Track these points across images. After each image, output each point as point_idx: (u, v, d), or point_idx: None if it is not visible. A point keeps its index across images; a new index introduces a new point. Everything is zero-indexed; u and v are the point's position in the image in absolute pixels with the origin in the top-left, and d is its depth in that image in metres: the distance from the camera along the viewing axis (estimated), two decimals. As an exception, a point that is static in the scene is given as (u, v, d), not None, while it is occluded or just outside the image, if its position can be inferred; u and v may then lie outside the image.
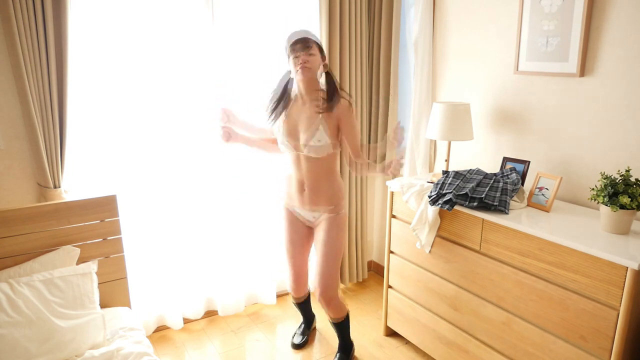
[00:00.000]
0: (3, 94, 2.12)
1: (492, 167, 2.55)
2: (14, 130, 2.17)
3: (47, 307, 1.90)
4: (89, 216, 2.20)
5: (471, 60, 2.58)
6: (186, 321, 2.88)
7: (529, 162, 2.23)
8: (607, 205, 1.76)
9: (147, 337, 2.61)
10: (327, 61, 2.19)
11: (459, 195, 2.08)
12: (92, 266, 2.13)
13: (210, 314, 2.97)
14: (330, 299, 2.33)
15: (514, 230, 1.92)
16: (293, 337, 2.74)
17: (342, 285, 3.32)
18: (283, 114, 2.25)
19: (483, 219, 2.04)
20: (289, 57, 2.13)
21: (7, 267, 2.04)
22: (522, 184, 2.19)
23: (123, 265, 2.33)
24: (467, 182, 2.14)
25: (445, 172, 2.27)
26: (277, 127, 2.27)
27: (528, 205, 2.12)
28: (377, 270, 3.54)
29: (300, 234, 2.42)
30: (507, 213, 2.00)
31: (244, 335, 2.80)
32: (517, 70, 2.33)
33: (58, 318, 1.90)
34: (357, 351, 2.64)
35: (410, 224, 2.40)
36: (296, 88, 2.23)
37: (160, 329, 2.81)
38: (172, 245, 2.70)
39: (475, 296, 2.14)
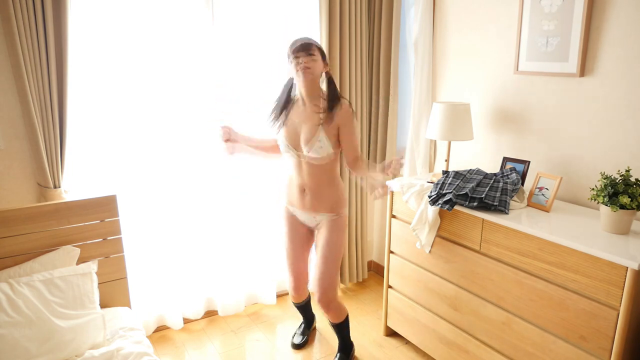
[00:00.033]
0: (3, 94, 2.12)
1: (492, 167, 2.55)
2: (14, 130, 2.17)
3: (47, 307, 1.90)
4: (89, 216, 2.20)
5: (471, 60, 2.58)
6: (186, 321, 2.88)
7: (529, 162, 2.23)
8: (607, 205, 1.76)
9: (147, 337, 2.61)
10: (328, 68, 2.19)
11: (459, 195, 2.08)
12: (92, 266, 2.13)
13: (210, 314, 2.97)
14: (329, 302, 2.33)
15: (514, 230, 1.92)
16: (293, 337, 2.74)
17: (342, 285, 3.33)
18: (284, 117, 2.25)
19: (483, 219, 2.04)
20: (290, 61, 2.13)
21: (7, 267, 2.04)
22: (522, 184, 2.19)
23: (123, 265, 2.33)
24: (467, 182, 2.14)
25: (445, 172, 2.27)
26: (278, 130, 2.28)
27: (528, 205, 2.12)
28: (377, 270, 3.54)
29: (301, 238, 2.41)
30: (507, 213, 2.00)
31: (244, 335, 2.80)
32: (517, 70, 2.33)
33: (58, 318, 1.90)
34: (357, 351, 2.64)
35: (410, 224, 2.40)
36: (297, 92, 2.24)
37: (160, 329, 2.81)
38: (172, 245, 2.70)
39: (475, 296, 2.14)
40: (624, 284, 1.58)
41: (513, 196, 2.09)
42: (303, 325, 2.79)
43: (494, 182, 2.10)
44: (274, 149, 2.43)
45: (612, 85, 1.99)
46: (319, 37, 2.78)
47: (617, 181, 1.77)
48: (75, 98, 2.24)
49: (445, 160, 2.46)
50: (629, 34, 1.91)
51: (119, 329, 2.08)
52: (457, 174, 2.20)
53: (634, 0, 1.87)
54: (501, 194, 2.03)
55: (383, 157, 3.13)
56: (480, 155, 2.61)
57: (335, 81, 2.79)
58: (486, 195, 2.03)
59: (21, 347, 1.78)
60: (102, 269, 2.26)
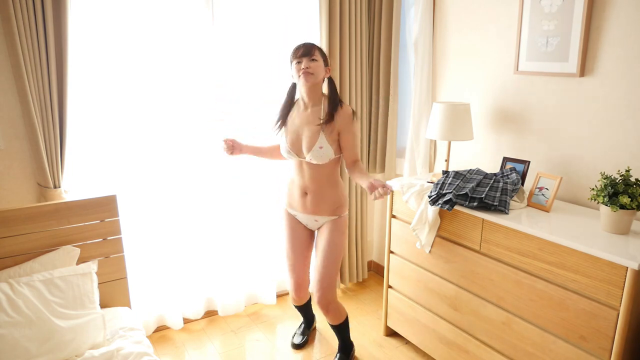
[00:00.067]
0: (3, 94, 2.12)
1: (492, 167, 2.55)
2: (14, 130, 2.17)
3: (47, 307, 1.90)
4: (89, 216, 2.20)
5: (471, 60, 2.58)
6: (186, 321, 2.88)
7: (529, 162, 2.23)
8: (607, 205, 1.76)
9: (147, 337, 2.61)
10: (330, 73, 2.20)
11: (459, 195, 2.08)
12: (92, 266, 2.13)
13: (210, 314, 2.97)
14: (328, 303, 2.32)
15: (514, 230, 1.92)
16: (293, 337, 2.74)
17: (342, 285, 3.33)
18: (285, 120, 2.26)
19: (483, 219, 2.04)
20: (292, 64, 2.14)
21: (7, 267, 2.04)
22: (522, 184, 2.19)
23: (123, 265, 2.33)
24: (467, 182, 2.14)
25: (445, 172, 2.27)
26: (280, 134, 2.28)
27: (528, 205, 2.12)
28: (377, 270, 3.54)
29: (302, 240, 2.41)
30: (507, 213, 2.00)
31: (244, 335, 2.80)
32: (517, 70, 2.33)
33: (58, 318, 1.90)
34: (357, 351, 2.64)
35: (410, 224, 2.40)
36: (299, 95, 2.24)
37: (160, 329, 2.81)
38: (172, 245, 2.70)
39: (475, 296, 2.14)
40: (624, 284, 1.58)
41: (513, 196, 2.09)
42: (303, 326, 2.79)
43: (494, 182, 2.10)
44: (277, 154, 2.44)
45: (612, 85, 1.99)
46: (319, 37, 2.78)
47: (617, 181, 1.77)
48: (75, 98, 2.24)
49: (445, 160, 2.46)
50: (629, 34, 1.91)
51: (119, 329, 2.08)
52: (457, 174, 2.20)
53: (634, 0, 1.87)
54: (501, 194, 2.03)
55: (383, 157, 3.13)
56: (480, 155, 2.61)
57: (336, 82, 2.79)
58: (486, 195, 2.03)
59: (21, 347, 1.78)
60: (102, 269, 2.26)
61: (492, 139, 2.53)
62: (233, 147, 2.36)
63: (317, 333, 2.83)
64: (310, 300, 2.73)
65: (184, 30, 2.51)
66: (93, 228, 2.22)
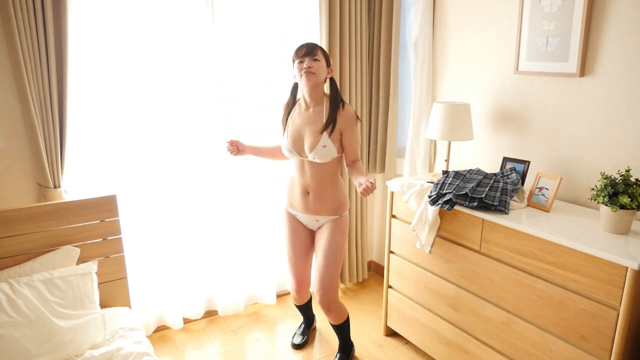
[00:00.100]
0: (3, 94, 2.12)
1: (492, 167, 2.55)
2: (14, 130, 2.17)
3: (47, 307, 1.90)
4: (89, 216, 2.20)
5: (471, 60, 2.58)
6: (186, 321, 2.88)
7: (529, 162, 2.23)
8: (607, 205, 1.76)
9: (147, 337, 2.61)
10: (332, 73, 2.21)
11: (459, 195, 2.08)
12: (92, 266, 2.13)
13: (210, 314, 2.97)
14: (329, 303, 2.32)
15: (514, 230, 1.92)
16: (293, 337, 2.74)
17: (342, 285, 3.33)
18: (289, 119, 2.26)
19: (483, 219, 2.04)
20: (294, 63, 2.15)
21: (7, 267, 2.04)
22: (522, 184, 2.19)
23: (123, 265, 2.33)
24: (467, 182, 2.14)
25: (445, 172, 2.27)
26: (283, 135, 2.29)
27: (528, 205, 2.12)
28: (377, 270, 3.54)
29: (302, 240, 2.41)
30: (507, 213, 2.00)
31: (244, 335, 2.80)
32: (517, 70, 2.33)
33: (58, 318, 1.90)
34: (357, 351, 2.64)
35: (410, 224, 2.40)
36: (300, 94, 2.24)
37: (160, 329, 2.81)
38: (172, 245, 2.70)
39: (475, 296, 2.14)
40: (624, 284, 1.58)
41: (513, 196, 2.09)
42: (303, 326, 2.79)
43: (494, 182, 2.10)
44: (279, 154, 2.45)
45: (612, 85, 1.99)
46: (319, 37, 2.78)
47: (617, 181, 1.77)
48: (75, 98, 2.24)
49: (445, 160, 2.46)
50: (629, 34, 1.91)
51: (119, 329, 2.08)
52: (457, 174, 2.20)
53: (634, 0, 1.87)
54: (501, 194, 2.03)
55: (383, 157, 3.13)
56: (480, 155, 2.61)
57: (336, 82, 2.79)
58: (486, 195, 2.03)
59: (21, 347, 1.78)
60: (102, 269, 2.26)
61: (492, 139, 2.53)
62: (237, 149, 2.37)
63: (317, 333, 2.83)
64: (311, 299, 2.73)
65: (184, 30, 2.51)
66: (93, 228, 2.22)
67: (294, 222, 2.41)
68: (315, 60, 2.10)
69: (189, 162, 2.67)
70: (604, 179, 1.79)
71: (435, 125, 2.37)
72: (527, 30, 2.25)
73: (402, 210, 2.49)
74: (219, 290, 2.89)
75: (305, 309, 2.73)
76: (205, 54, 2.58)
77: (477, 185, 2.11)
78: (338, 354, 2.54)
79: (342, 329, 2.47)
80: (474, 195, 2.05)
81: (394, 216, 2.57)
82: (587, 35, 2.03)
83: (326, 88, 2.24)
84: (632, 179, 1.94)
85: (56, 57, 2.10)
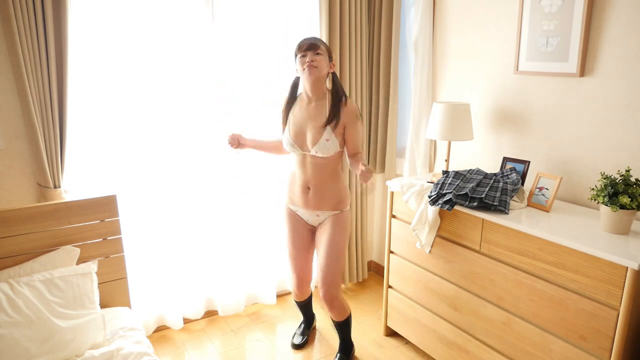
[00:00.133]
0: (3, 94, 2.12)
1: (492, 167, 2.55)
2: (14, 130, 2.17)
3: (47, 307, 1.90)
4: (89, 216, 2.20)
5: (471, 60, 2.58)
6: (186, 321, 2.88)
7: (529, 162, 2.23)
8: (607, 205, 1.76)
9: (147, 337, 2.61)
10: (335, 68, 2.21)
11: (459, 195, 2.08)
12: (92, 266, 2.13)
13: (210, 314, 2.97)
14: (332, 298, 2.33)
15: (514, 230, 1.92)
16: (293, 337, 2.74)
17: (342, 285, 3.33)
18: (290, 113, 2.26)
19: (483, 219, 2.04)
20: (296, 57, 2.15)
21: (7, 267, 2.04)
22: (522, 184, 2.19)
23: (123, 265, 2.33)
24: (467, 182, 2.14)
25: (445, 172, 2.27)
26: (284, 130, 2.29)
27: (528, 205, 2.12)
28: (377, 270, 3.54)
29: (303, 236, 2.41)
30: (507, 213, 2.00)
31: (244, 335, 2.80)
32: (517, 70, 2.33)
33: (58, 318, 1.90)
34: (357, 351, 2.64)
35: (410, 224, 2.40)
36: (302, 89, 2.24)
37: (160, 329, 2.81)
38: (172, 245, 2.70)
39: (475, 296, 2.14)
40: (624, 284, 1.58)
41: (513, 196, 2.09)
42: (303, 325, 2.79)
43: (494, 182, 2.10)
44: (281, 149, 2.45)
45: (612, 85, 1.99)
46: (319, 37, 2.78)
47: (617, 181, 1.77)
48: (75, 98, 2.24)
49: (445, 160, 2.46)
50: (629, 34, 1.91)
51: (119, 329, 2.08)
52: (457, 174, 2.20)
53: (634, 0, 1.87)
54: (501, 194, 2.03)
55: (383, 157, 3.13)
56: (480, 155, 2.61)
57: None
58: (486, 195, 2.03)
59: (21, 347, 1.78)
60: (102, 269, 2.26)
61: (492, 139, 2.53)
62: (238, 142, 2.37)
63: (317, 333, 2.83)
64: (311, 297, 2.73)
65: (184, 30, 2.51)
66: (93, 228, 2.22)
67: (294, 218, 2.41)
68: (317, 54, 2.10)
69: (189, 162, 2.67)
70: (604, 179, 1.79)
71: (435, 125, 2.37)
72: (527, 30, 2.25)
73: (402, 210, 2.49)
74: (219, 290, 2.89)
75: (306, 307, 2.73)
76: (205, 54, 2.58)
77: (477, 185, 2.11)
78: (338, 354, 2.54)
79: (344, 327, 2.47)
80: (474, 195, 2.05)
81: (394, 216, 2.57)
82: (587, 35, 2.03)
83: (328, 83, 2.23)
84: (632, 179, 1.94)
85: (56, 57, 2.10)
